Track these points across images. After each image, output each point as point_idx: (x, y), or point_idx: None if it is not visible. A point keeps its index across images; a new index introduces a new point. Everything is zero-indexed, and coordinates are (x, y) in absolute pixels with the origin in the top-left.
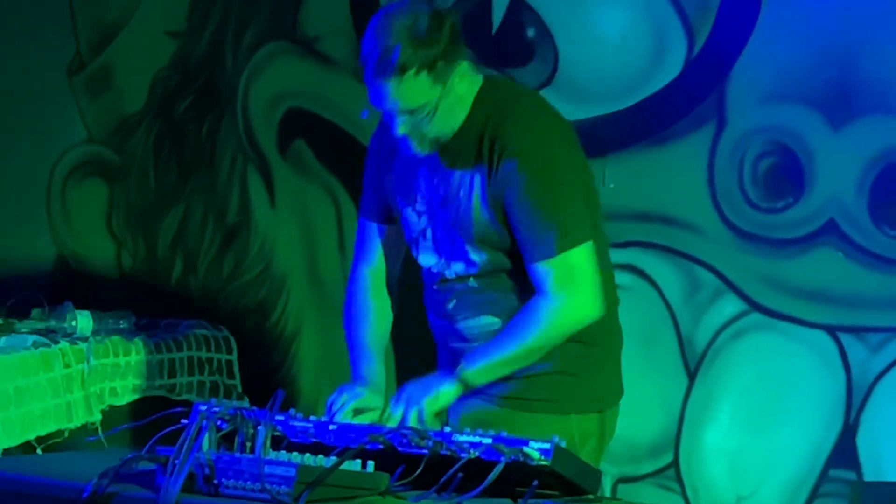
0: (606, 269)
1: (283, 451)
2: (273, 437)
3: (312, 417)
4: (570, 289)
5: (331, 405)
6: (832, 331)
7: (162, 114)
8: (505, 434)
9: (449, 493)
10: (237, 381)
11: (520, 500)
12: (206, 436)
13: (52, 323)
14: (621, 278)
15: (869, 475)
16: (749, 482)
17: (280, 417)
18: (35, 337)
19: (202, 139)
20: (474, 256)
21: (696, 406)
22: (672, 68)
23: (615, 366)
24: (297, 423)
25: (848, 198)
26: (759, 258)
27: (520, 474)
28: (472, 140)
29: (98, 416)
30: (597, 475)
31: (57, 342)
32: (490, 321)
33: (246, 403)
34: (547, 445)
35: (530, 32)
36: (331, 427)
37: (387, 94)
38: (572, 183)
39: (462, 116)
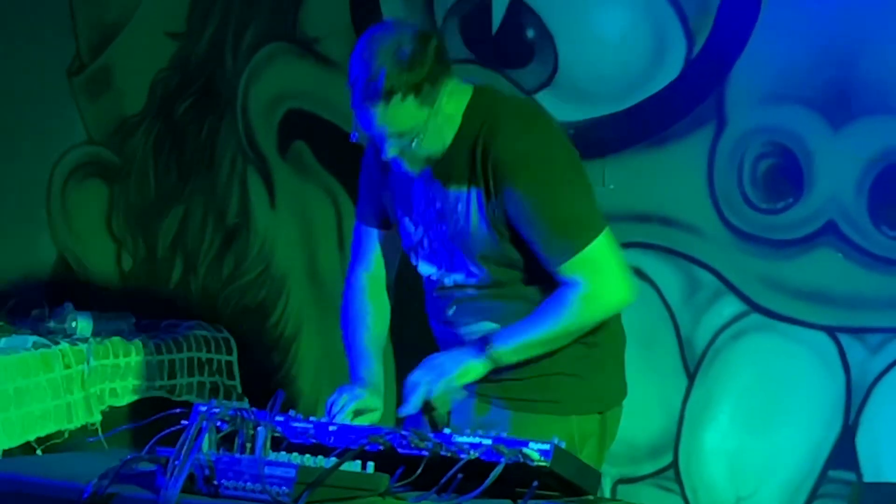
0: None
1: (283, 452)
2: (273, 438)
3: (312, 418)
4: (598, 278)
5: (331, 406)
6: (832, 331)
7: (162, 115)
8: (504, 435)
9: (449, 493)
10: (237, 382)
11: (519, 501)
12: (206, 437)
13: (52, 324)
14: None
15: (868, 476)
16: (748, 483)
17: (280, 418)
18: (35, 338)
19: (202, 140)
20: (474, 269)
21: (695, 407)
22: (672, 69)
23: (617, 366)
24: (297, 424)
25: (847, 198)
26: (759, 259)
27: (519, 475)
28: (465, 153)
29: (98, 417)
30: (596, 476)
31: (57, 343)
32: (490, 327)
33: (246, 404)
34: (546, 446)
35: (530, 33)
36: (331, 428)
37: (374, 120)
38: (573, 180)
39: (452, 133)
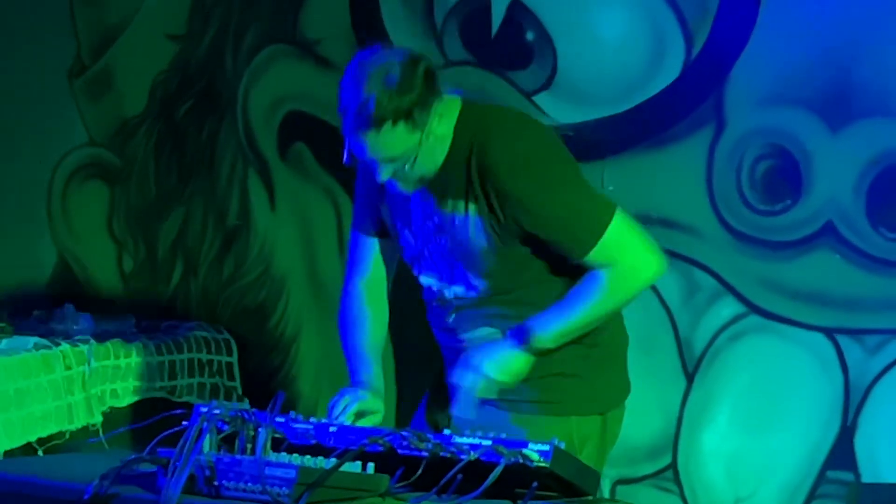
0: None
1: (284, 453)
2: (273, 439)
3: (313, 419)
4: (626, 256)
5: (332, 407)
6: (830, 333)
7: (162, 116)
8: (504, 436)
9: (449, 494)
10: (237, 383)
11: (519, 502)
12: (207, 437)
13: (53, 325)
14: None
15: (866, 477)
16: (747, 483)
17: (280, 419)
18: (36, 339)
19: (202, 142)
20: (474, 281)
21: (694, 408)
22: (671, 71)
23: (618, 367)
24: (297, 425)
25: (846, 200)
26: (757, 260)
27: (519, 476)
28: (459, 169)
29: (99, 418)
30: (595, 476)
31: (58, 344)
32: (489, 332)
33: (246, 405)
34: (546, 447)
35: (529, 35)
36: (331, 429)
37: (366, 147)
38: (572, 173)
39: (444, 152)
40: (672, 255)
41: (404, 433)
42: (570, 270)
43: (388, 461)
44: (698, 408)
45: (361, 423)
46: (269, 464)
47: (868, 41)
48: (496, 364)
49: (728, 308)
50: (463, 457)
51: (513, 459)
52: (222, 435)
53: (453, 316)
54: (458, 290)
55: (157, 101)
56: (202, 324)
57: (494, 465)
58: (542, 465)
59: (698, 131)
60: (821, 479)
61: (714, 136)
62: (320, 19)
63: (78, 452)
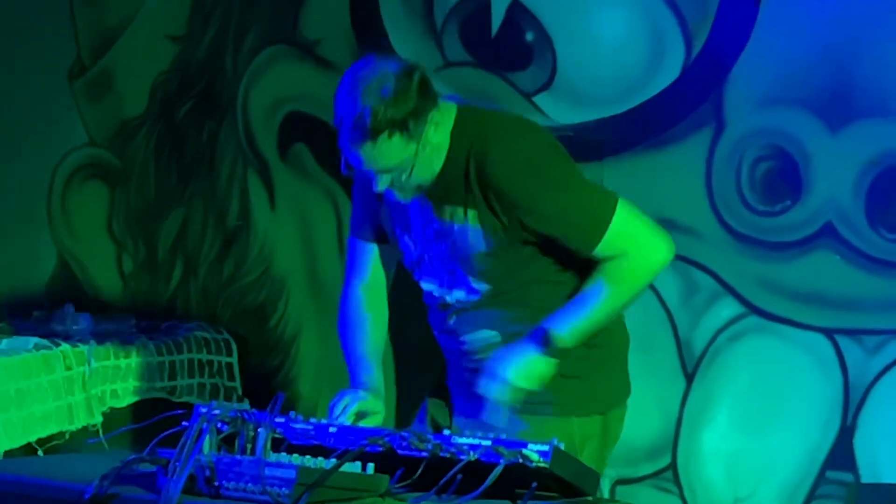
0: None
1: (284, 454)
2: (273, 440)
3: (313, 420)
4: (635, 244)
5: (332, 408)
6: (829, 333)
7: (162, 117)
8: (504, 436)
9: (448, 494)
10: (237, 384)
11: (519, 502)
12: (207, 438)
13: (54, 325)
14: None
15: (866, 477)
16: (747, 484)
17: (280, 420)
18: (36, 339)
19: (202, 143)
20: (475, 286)
21: (693, 408)
22: (670, 72)
23: (619, 367)
24: (297, 426)
25: (845, 201)
26: (757, 261)
27: (519, 476)
28: (457, 175)
29: (99, 419)
30: (595, 477)
31: (58, 344)
32: (489, 334)
33: (246, 406)
34: (545, 447)
35: (529, 36)
36: (331, 429)
37: (362, 159)
38: (572, 169)
39: (441, 159)
40: None
41: (404, 433)
42: (570, 270)
43: (388, 461)
44: (698, 408)
45: (361, 424)
46: (268, 464)
47: (867, 41)
48: (519, 371)
49: (727, 308)
50: (463, 457)
51: (512, 460)
52: (222, 435)
53: (454, 318)
54: (460, 294)
55: (157, 102)
56: (202, 324)
57: (494, 465)
58: (542, 465)
59: (698, 132)
60: (820, 479)
61: (714, 137)
62: (320, 20)
63: (78, 453)
